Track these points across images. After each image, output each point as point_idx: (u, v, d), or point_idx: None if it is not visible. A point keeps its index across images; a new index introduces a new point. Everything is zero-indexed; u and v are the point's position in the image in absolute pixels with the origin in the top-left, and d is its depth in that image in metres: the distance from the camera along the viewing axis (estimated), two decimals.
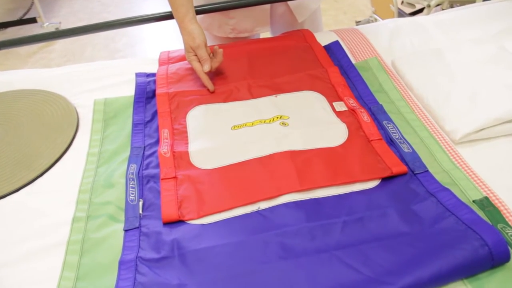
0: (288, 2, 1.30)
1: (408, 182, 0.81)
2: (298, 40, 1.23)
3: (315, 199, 0.78)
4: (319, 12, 1.45)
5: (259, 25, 1.34)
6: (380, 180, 0.82)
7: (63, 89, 1.15)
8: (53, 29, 3.21)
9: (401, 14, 2.46)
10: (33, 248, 0.76)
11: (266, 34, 1.46)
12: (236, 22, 1.31)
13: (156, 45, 3.11)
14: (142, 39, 3.17)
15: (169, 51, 1.23)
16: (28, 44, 1.31)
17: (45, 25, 3.23)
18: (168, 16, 1.23)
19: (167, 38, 3.05)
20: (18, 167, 0.93)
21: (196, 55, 1.06)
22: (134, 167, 0.87)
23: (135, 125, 0.98)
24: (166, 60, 1.18)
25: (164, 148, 0.90)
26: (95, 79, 1.18)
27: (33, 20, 3.21)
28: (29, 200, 0.86)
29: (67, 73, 1.23)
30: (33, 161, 0.94)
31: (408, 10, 2.65)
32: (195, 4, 1.23)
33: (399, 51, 1.21)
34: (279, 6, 1.32)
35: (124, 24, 1.28)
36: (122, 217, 0.79)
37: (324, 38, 1.26)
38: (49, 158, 0.94)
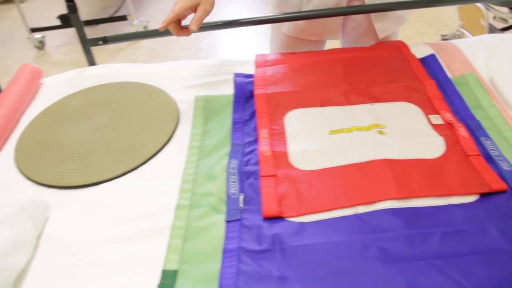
0: (372, 18, 1.29)
1: (508, 200, 0.80)
2: (393, 51, 1.23)
3: (412, 208, 0.79)
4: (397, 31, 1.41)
5: (329, 32, 1.34)
6: (479, 196, 0.81)
7: (162, 84, 1.21)
8: (141, 27, 3.36)
9: (491, 29, 2.38)
10: (140, 229, 0.82)
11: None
12: (304, 24, 1.31)
13: (236, 48, 3.20)
14: (222, 41, 3.26)
15: (264, 54, 1.27)
16: (134, 40, 1.41)
17: (134, 23, 3.38)
18: (255, 22, 1.29)
19: (246, 41, 3.15)
20: (124, 153, 0.99)
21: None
22: (235, 163, 0.91)
23: (235, 123, 1.02)
24: (262, 62, 1.22)
25: (264, 147, 0.93)
26: (191, 77, 1.24)
27: (123, 18, 3.37)
28: (134, 185, 0.92)
29: (164, 69, 1.30)
30: (138, 149, 1.00)
31: (500, 25, 2.56)
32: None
33: (497, 67, 1.18)
34: (358, 18, 1.31)
35: (214, 27, 1.36)
36: (223, 209, 0.83)
37: (418, 51, 1.26)
38: (153, 148, 1.00)
